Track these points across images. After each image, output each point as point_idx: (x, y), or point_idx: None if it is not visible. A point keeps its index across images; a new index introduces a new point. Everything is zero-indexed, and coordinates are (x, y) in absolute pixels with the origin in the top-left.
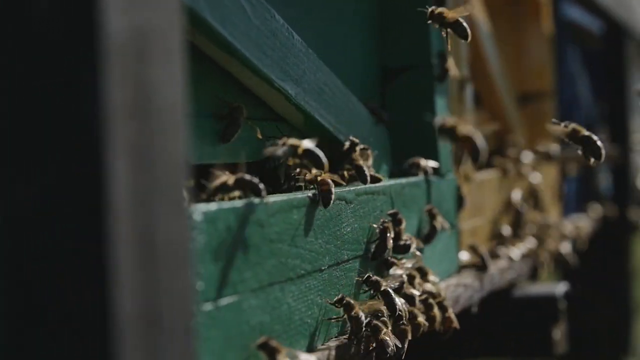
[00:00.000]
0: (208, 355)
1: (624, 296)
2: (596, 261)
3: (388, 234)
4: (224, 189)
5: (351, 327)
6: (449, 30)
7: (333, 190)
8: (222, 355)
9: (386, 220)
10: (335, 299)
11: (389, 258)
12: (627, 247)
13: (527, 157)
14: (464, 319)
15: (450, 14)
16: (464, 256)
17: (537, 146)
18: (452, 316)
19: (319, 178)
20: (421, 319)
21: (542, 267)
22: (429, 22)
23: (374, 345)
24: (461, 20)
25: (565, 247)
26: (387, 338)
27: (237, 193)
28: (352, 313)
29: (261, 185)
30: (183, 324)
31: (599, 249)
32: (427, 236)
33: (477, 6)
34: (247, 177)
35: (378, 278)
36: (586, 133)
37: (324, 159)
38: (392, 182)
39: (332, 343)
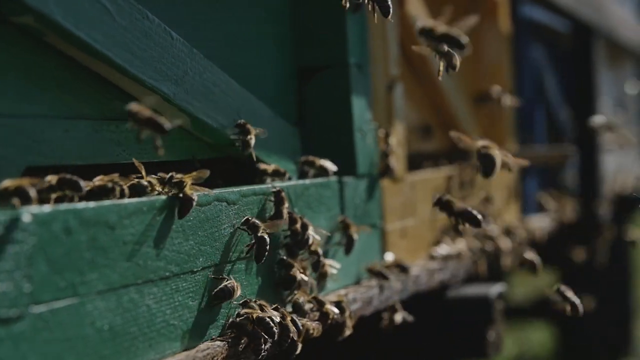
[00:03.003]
0: (41, 358)
1: (623, 296)
2: (594, 261)
3: (284, 204)
4: (50, 189)
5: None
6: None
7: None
8: (61, 358)
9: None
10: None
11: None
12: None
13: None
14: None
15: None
16: (390, 257)
17: None
18: (348, 320)
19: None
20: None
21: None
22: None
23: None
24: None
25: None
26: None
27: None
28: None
29: (82, 183)
30: None
31: (596, 249)
32: (346, 247)
33: (419, 5)
34: (68, 176)
35: (258, 222)
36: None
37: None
38: (292, 182)
39: (203, 345)
